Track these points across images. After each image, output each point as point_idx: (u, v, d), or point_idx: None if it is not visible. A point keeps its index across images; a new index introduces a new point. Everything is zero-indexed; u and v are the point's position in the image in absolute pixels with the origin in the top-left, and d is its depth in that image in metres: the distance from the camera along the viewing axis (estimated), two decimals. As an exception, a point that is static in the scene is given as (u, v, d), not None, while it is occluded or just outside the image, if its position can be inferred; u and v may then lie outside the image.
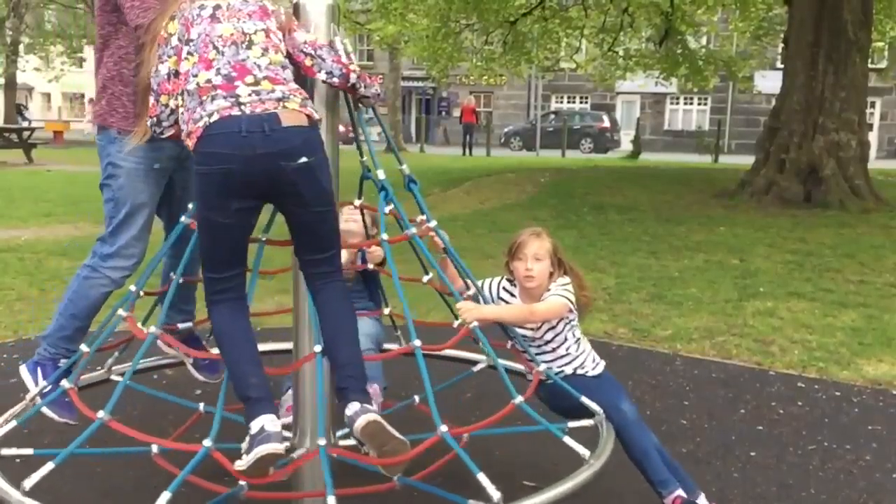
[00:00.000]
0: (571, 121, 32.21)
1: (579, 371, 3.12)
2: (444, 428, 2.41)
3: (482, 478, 2.30)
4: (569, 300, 3.06)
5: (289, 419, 2.87)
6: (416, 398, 3.41)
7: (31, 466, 2.46)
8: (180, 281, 2.76)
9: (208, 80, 2.39)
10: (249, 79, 2.40)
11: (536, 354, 3.10)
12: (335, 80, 2.56)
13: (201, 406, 3.21)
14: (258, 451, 2.27)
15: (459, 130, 30.23)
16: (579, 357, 3.13)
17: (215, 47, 2.44)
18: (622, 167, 19.84)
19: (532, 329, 3.11)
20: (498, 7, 16.77)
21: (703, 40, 22.84)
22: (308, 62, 2.56)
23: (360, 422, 2.35)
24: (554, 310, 3.06)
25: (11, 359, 4.78)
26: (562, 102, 38.85)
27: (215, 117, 2.32)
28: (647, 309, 6.29)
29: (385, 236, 2.75)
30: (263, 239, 2.68)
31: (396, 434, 2.34)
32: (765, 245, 9.09)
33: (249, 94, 2.37)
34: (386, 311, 3.63)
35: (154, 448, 2.54)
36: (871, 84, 13.85)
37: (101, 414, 2.50)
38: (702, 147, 29.07)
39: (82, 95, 42.99)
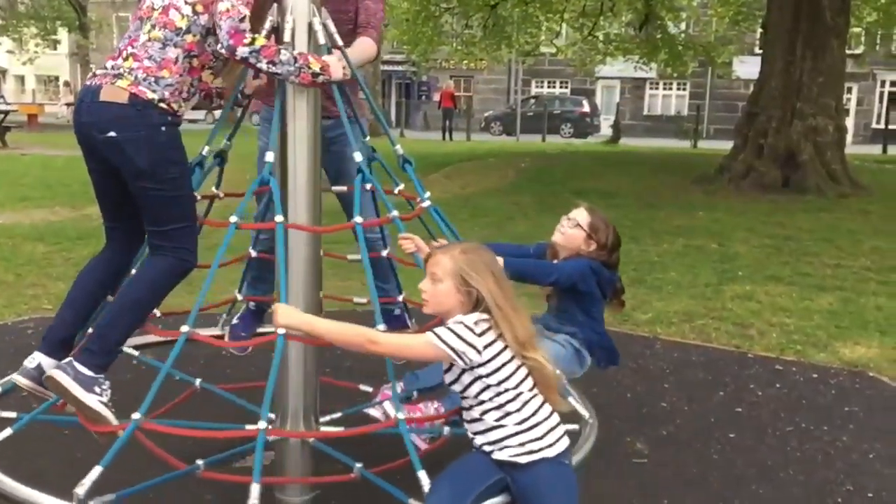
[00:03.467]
0: (552, 106, 32.16)
1: (504, 455, 2.25)
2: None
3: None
4: (445, 345, 2.18)
5: (377, 412, 2.87)
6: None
7: None
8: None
9: None
10: (124, 54, 2.64)
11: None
12: (223, 50, 2.60)
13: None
14: (12, 377, 2.61)
15: (439, 115, 30.13)
16: (510, 436, 2.25)
17: (134, 21, 2.71)
18: (602, 152, 19.87)
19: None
20: (478, -10, 16.70)
21: (683, 25, 22.88)
22: (217, 31, 2.61)
23: (49, 372, 2.55)
24: (405, 346, 2.29)
25: (-13, 344, 4.73)
26: (542, 87, 38.79)
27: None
28: (627, 293, 6.22)
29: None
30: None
31: (86, 401, 2.48)
32: (743, 230, 9.16)
33: (105, 68, 2.65)
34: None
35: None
36: (848, 70, 13.93)
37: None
38: (681, 132, 29.18)
39: (57, 78, 42.33)
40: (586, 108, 32.88)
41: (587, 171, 14.65)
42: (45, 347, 2.71)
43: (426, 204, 2.94)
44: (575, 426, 2.79)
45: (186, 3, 2.64)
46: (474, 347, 2.18)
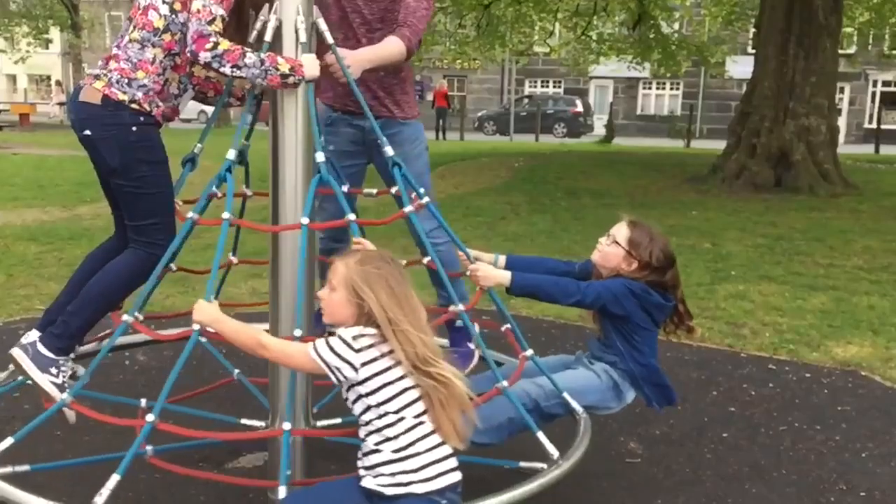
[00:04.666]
0: (545, 105, 32.20)
1: (373, 484, 2.08)
2: None
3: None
4: (320, 359, 2.08)
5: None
6: None
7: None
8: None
9: None
10: (111, 53, 2.76)
11: None
12: (188, 55, 2.62)
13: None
14: (12, 352, 2.74)
15: (433, 115, 30.12)
16: (384, 463, 2.07)
17: (125, 21, 2.83)
18: (595, 152, 19.90)
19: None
20: (472, -10, 16.69)
21: (676, 25, 22.91)
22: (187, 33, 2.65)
23: (11, 350, 2.75)
24: (287, 356, 2.20)
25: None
26: (535, 87, 38.82)
27: None
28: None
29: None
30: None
31: (38, 380, 2.65)
32: (736, 229, 9.17)
33: (95, 68, 2.81)
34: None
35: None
36: (840, 69, 13.97)
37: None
38: (674, 132, 29.22)
39: (48, 77, 42.18)
40: (580, 107, 32.94)
41: (580, 171, 14.67)
42: (41, 325, 2.86)
43: (425, 200, 2.91)
44: (540, 465, 2.61)
45: (164, 2, 2.69)
46: (350, 364, 2.05)
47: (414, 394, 2.06)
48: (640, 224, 2.98)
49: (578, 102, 33.29)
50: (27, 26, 33.56)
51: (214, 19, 2.57)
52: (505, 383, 2.68)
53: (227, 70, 2.56)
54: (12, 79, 45.27)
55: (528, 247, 7.83)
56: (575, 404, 2.82)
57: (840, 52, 13.83)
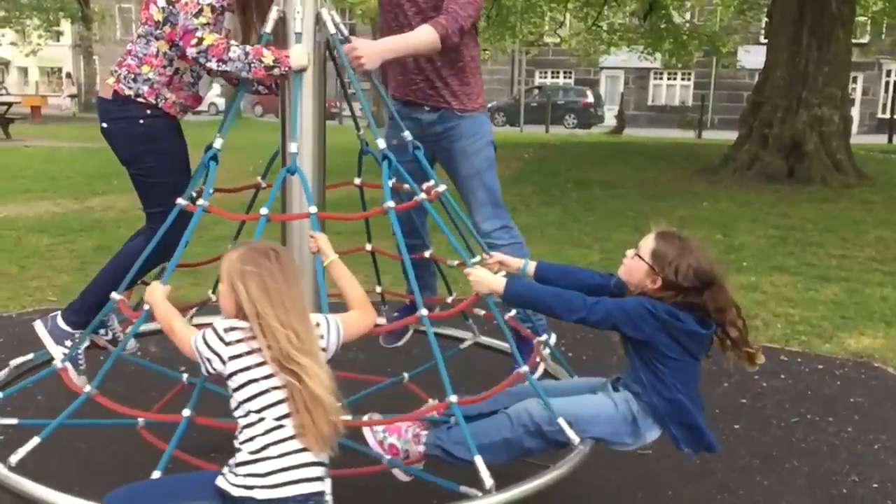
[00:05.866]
0: (555, 96, 32.09)
1: (223, 481, 2.00)
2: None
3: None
4: (195, 348, 2.07)
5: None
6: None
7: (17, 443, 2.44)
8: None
9: None
10: (125, 50, 2.89)
11: None
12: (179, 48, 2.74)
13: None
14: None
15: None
16: (240, 464, 1.99)
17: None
18: (606, 143, 19.83)
19: None
20: (482, -20, 16.59)
21: (688, 15, 22.78)
22: None
23: (34, 322, 2.95)
24: (181, 343, 2.16)
25: (-8, 336, 4.73)
26: (545, 78, 38.67)
27: None
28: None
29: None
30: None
31: (52, 352, 2.84)
32: (748, 220, 9.13)
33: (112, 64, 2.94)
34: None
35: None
36: (853, 59, 13.85)
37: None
38: (685, 122, 29.07)
39: (60, 70, 42.31)
40: (590, 98, 32.79)
41: (591, 162, 14.62)
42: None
43: (442, 188, 2.86)
44: (475, 492, 2.32)
45: None
46: (219, 356, 2.01)
47: (279, 394, 1.96)
48: (671, 235, 2.59)
49: (589, 93, 33.15)
50: (38, 19, 33.66)
51: (201, 10, 2.63)
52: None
53: (213, 65, 2.65)
54: (24, 71, 45.46)
55: (538, 238, 7.81)
56: (570, 433, 2.45)
57: (853, 41, 13.71)
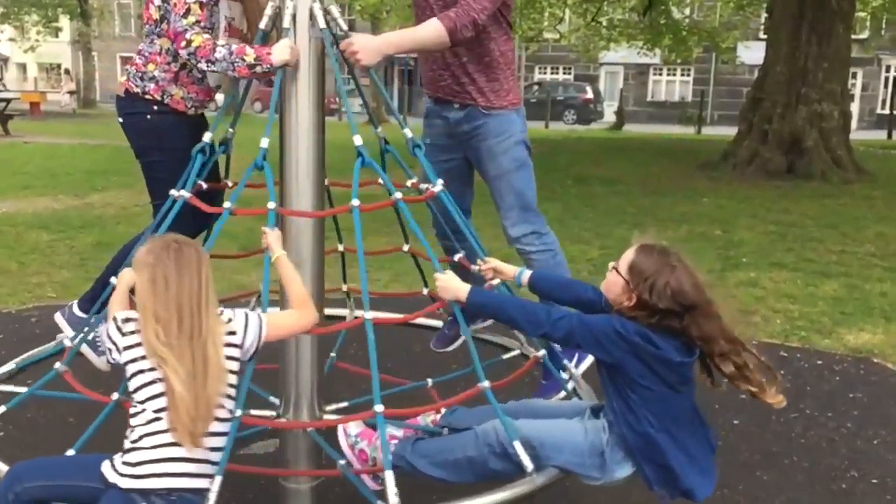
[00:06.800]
0: (555, 92, 32.06)
1: (106, 466, 2.05)
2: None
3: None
4: (103, 336, 2.15)
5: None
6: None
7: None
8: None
9: None
10: (137, 50, 3.02)
11: None
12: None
13: None
14: None
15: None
16: (123, 452, 2.04)
17: None
18: (606, 139, 19.83)
19: None
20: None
21: (687, 11, 22.74)
22: None
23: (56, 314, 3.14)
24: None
25: (-8, 333, 4.73)
26: (545, 73, 38.63)
27: None
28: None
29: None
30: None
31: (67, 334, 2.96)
32: (748, 216, 9.13)
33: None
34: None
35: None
36: (853, 55, 13.85)
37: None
38: (685, 118, 29.05)
39: (59, 66, 42.24)
40: (590, 94, 32.76)
41: (590, 158, 14.62)
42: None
43: (438, 188, 2.77)
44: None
45: None
46: (116, 347, 2.06)
47: (160, 387, 1.99)
48: (652, 248, 2.28)
49: (588, 89, 33.12)
50: (37, 15, 33.59)
51: (189, 10, 2.70)
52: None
53: (203, 66, 2.70)
54: (22, 67, 45.40)
55: (538, 234, 7.80)
56: (524, 458, 2.20)
57: (853, 37, 13.70)
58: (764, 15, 18.37)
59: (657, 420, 2.21)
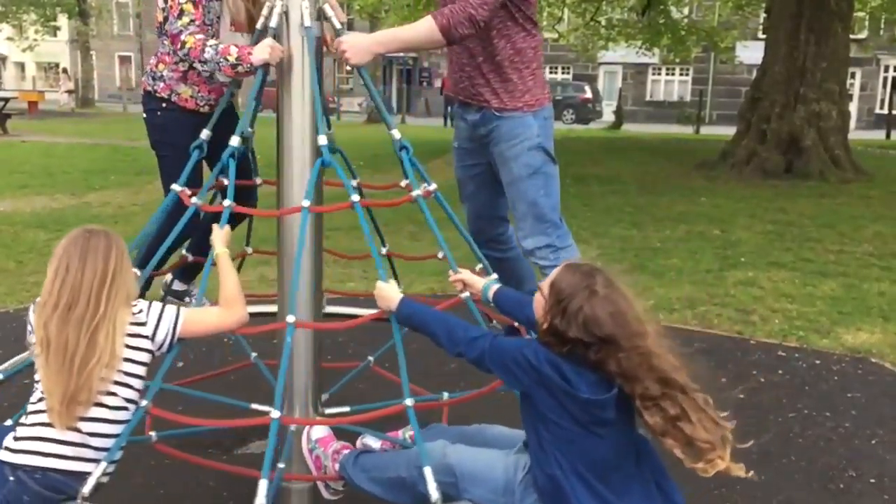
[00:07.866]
0: (553, 91, 32.04)
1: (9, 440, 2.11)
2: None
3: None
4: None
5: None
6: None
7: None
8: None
9: None
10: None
11: None
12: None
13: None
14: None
15: (441, 101, 30.02)
16: (18, 425, 2.14)
17: None
18: (604, 138, 19.84)
19: None
20: (479, -25, 16.54)
21: (686, 10, 22.74)
22: None
23: None
24: None
25: (-11, 332, 4.73)
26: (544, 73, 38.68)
27: None
28: (629, 279, 6.29)
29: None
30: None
31: None
32: (746, 215, 9.13)
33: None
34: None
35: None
36: (851, 54, 13.86)
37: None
38: (683, 118, 29.04)
39: (57, 65, 42.21)
40: (588, 93, 32.77)
41: (589, 158, 14.62)
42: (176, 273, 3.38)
43: (433, 187, 2.72)
44: None
45: None
46: (30, 329, 2.14)
47: None
48: (578, 267, 2.00)
49: (587, 88, 33.13)
50: (35, 14, 33.57)
51: (182, 11, 2.81)
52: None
53: (197, 66, 2.79)
54: (20, 66, 45.36)
55: (537, 233, 7.80)
56: (431, 486, 2.06)
57: (851, 36, 13.70)
58: (762, 15, 18.41)
59: (567, 462, 1.92)
